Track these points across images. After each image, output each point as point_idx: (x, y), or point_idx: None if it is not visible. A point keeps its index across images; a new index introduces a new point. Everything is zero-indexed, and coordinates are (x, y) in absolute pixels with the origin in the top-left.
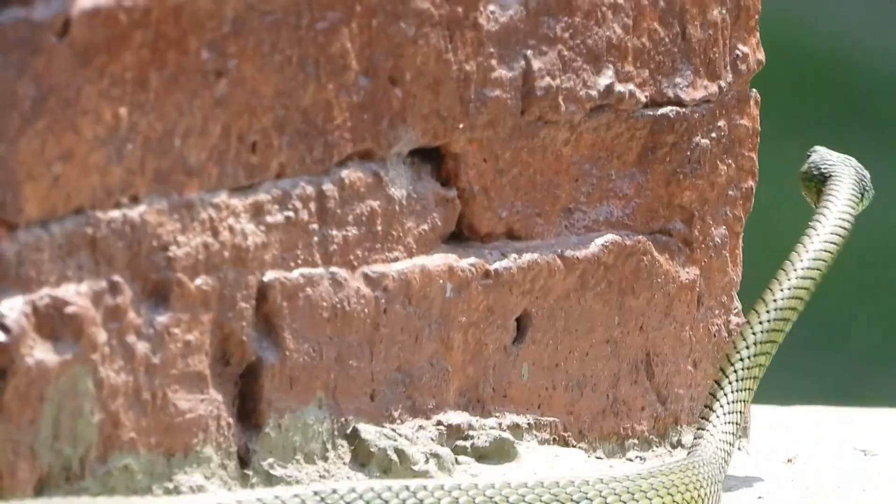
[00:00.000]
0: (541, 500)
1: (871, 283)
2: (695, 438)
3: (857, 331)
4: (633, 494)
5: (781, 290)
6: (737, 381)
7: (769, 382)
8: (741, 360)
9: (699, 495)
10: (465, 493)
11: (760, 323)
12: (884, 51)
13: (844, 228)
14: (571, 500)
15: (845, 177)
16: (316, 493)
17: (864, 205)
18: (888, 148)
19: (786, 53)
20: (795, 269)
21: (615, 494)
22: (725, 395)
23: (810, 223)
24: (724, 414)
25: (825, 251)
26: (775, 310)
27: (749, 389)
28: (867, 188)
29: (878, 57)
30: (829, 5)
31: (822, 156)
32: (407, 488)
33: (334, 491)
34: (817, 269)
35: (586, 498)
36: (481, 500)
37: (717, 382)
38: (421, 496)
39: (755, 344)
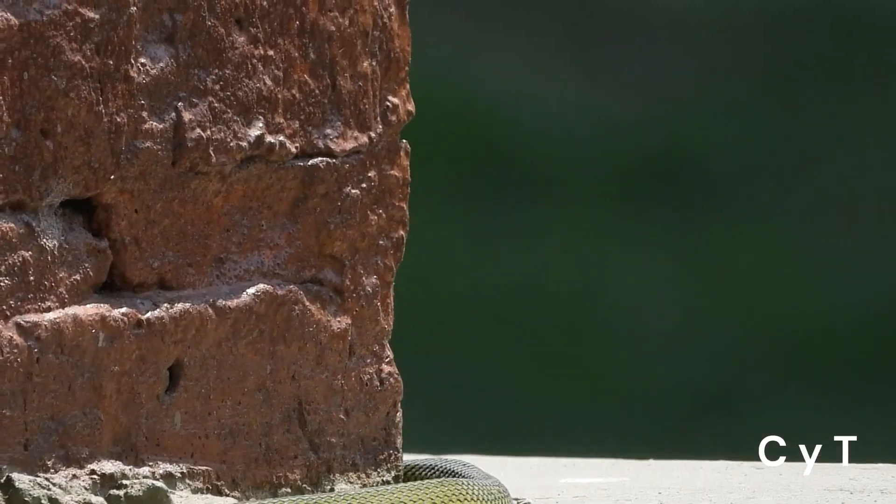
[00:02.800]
0: None
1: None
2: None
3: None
4: None
5: None
6: None
7: (420, 432)
8: None
9: None
10: None
11: None
12: (531, 108)
13: None
14: None
15: None
16: None
17: None
18: (540, 199)
19: (439, 105)
20: None
21: None
22: None
23: None
24: None
25: None
26: None
27: None
28: None
29: (525, 111)
30: (480, 61)
31: None
32: None
33: None
34: None
35: None
36: None
37: None
38: None
39: None
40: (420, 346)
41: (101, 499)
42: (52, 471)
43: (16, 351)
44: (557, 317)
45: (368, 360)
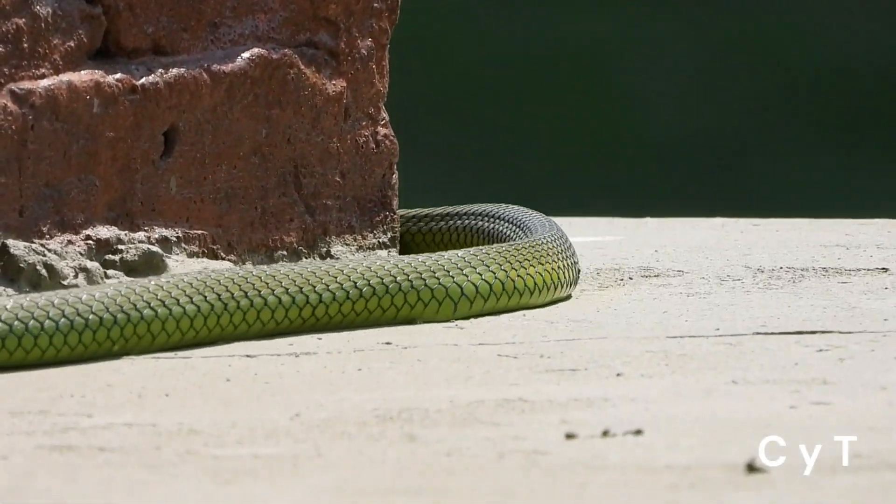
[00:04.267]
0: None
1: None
2: None
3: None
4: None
5: None
6: None
7: (419, 191)
8: None
9: None
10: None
11: None
12: None
13: None
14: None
15: None
16: None
17: None
18: None
19: None
20: None
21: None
22: None
23: None
24: None
25: None
26: None
27: None
28: None
29: None
30: None
31: None
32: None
33: None
34: None
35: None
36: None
37: None
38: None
39: None
40: (420, 107)
41: (96, 264)
42: (48, 237)
43: (10, 118)
44: (560, 75)
45: (364, 123)
